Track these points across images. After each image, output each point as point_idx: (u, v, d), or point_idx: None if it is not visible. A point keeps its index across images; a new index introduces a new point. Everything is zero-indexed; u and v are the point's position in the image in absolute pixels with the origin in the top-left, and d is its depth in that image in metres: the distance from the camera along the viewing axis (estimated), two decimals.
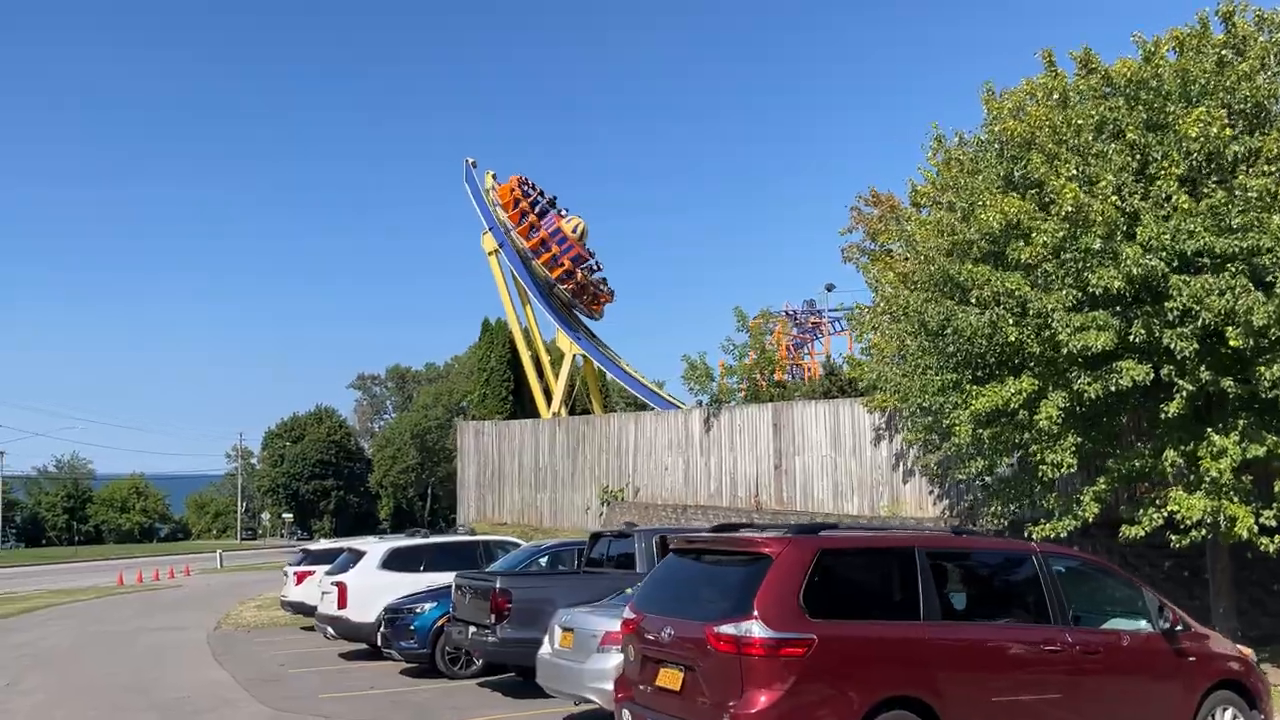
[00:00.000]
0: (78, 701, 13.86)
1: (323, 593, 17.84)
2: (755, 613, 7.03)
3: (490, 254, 46.48)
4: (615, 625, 10.05)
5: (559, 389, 43.89)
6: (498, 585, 12.58)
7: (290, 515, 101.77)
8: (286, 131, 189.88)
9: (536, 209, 46.09)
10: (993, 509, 16.00)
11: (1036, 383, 14.36)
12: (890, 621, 7.41)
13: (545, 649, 11.08)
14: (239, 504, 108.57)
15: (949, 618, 7.58)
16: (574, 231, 45.76)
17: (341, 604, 17.01)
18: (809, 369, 41.97)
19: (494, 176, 48.36)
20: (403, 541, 18.15)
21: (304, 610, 22.20)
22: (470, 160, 47.99)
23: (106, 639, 21.75)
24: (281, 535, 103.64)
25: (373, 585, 17.08)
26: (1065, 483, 16.43)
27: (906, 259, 16.33)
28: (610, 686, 9.92)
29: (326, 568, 22.07)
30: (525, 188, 46.64)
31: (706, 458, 29.35)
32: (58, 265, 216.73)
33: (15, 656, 19.08)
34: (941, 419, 15.60)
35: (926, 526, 18.77)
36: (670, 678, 7.60)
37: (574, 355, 44.40)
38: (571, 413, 44.21)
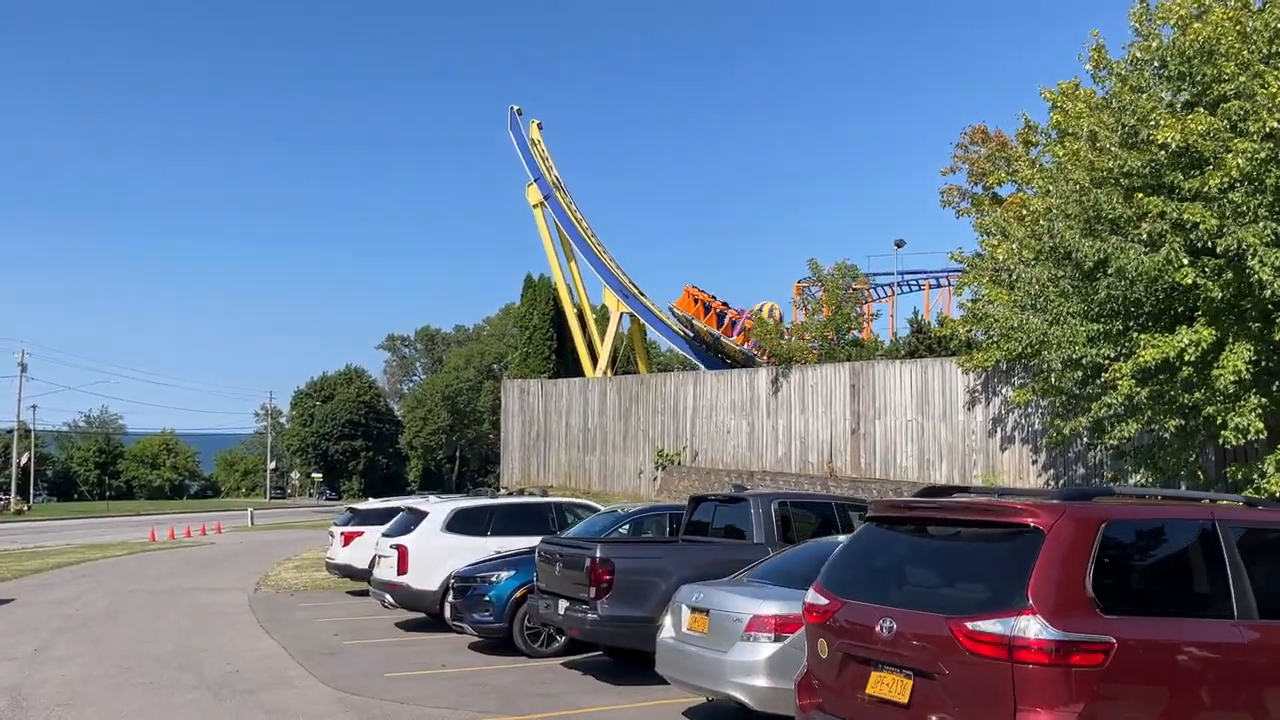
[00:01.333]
0: (115, 674, 12.24)
1: (379, 556, 16.14)
2: (1031, 604, 5.18)
3: (535, 206, 44.50)
4: (765, 608, 8.24)
5: (606, 348, 42.01)
6: (598, 554, 10.77)
7: (319, 475, 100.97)
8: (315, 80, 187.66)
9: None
10: (1138, 479, 14.04)
11: (1214, 333, 12.40)
12: (1197, 620, 5.54)
13: (667, 632, 9.29)
14: (268, 462, 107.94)
15: (1269, 616, 5.69)
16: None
17: (402, 569, 15.29)
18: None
19: (539, 126, 46.31)
20: (467, 502, 16.40)
21: (351, 574, 20.62)
22: (515, 108, 45.93)
23: (143, 599, 20.26)
24: (310, 495, 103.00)
25: (436, 549, 15.36)
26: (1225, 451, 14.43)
27: (1047, 192, 14.29)
28: (761, 682, 8.13)
29: (376, 528, 20.49)
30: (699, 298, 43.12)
31: (774, 420, 27.50)
32: (88, 216, 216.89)
33: (48, 617, 17.58)
34: (1087, 374, 13.66)
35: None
36: (890, 685, 5.77)
37: (621, 314, 42.47)
38: (617, 374, 42.39)
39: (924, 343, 25.27)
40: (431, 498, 17.57)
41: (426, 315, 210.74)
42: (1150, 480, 13.96)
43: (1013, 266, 14.51)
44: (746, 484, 27.39)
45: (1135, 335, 12.67)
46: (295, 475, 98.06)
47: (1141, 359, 12.34)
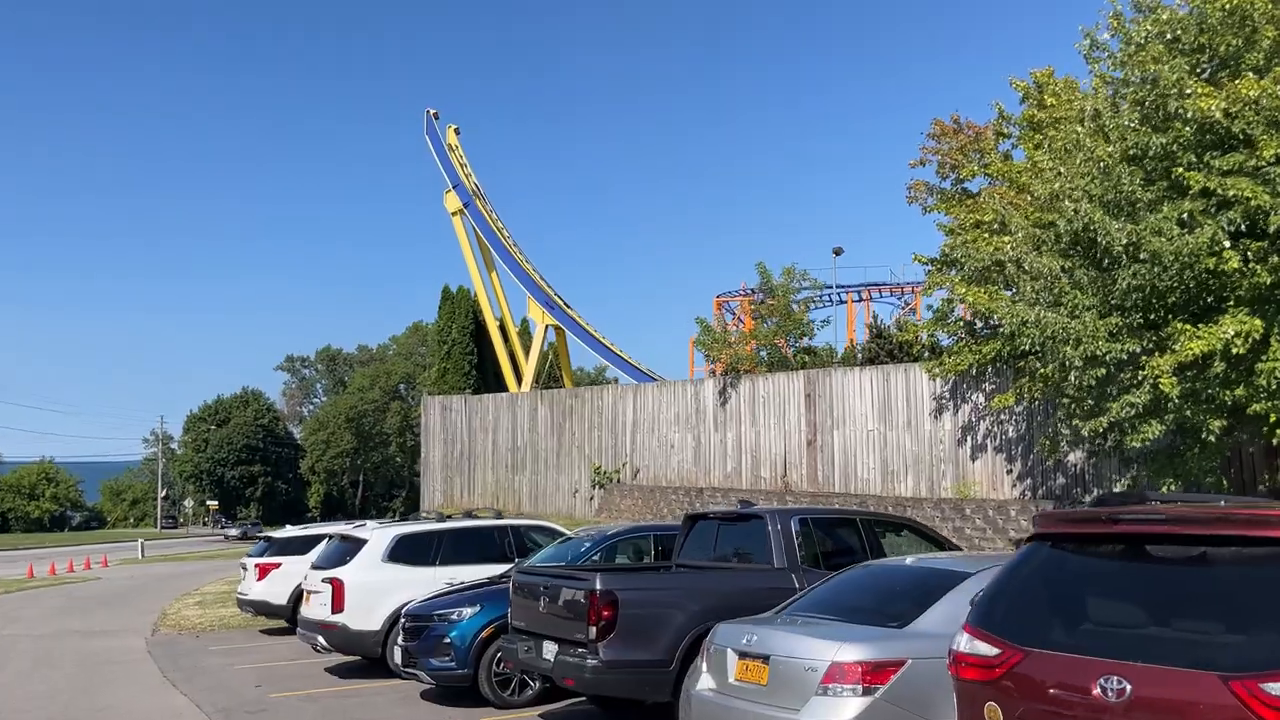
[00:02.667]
0: None
1: (309, 592, 13.94)
2: None
3: (454, 214, 42.32)
4: (847, 652, 6.51)
5: (531, 362, 40.04)
6: (598, 585, 8.92)
7: (215, 502, 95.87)
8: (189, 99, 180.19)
9: None
10: (1164, 488, 12.80)
11: (1262, 323, 11.23)
12: None
13: (705, 684, 7.48)
14: (159, 490, 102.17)
15: None
16: None
17: (338, 607, 13.14)
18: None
19: (457, 131, 44.18)
20: (411, 527, 14.33)
21: (268, 610, 18.29)
22: (432, 111, 43.72)
23: (24, 646, 17.54)
24: (205, 523, 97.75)
25: (378, 583, 13.28)
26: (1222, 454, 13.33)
27: (1058, 174, 13.02)
28: None
29: (295, 559, 18.23)
30: None
31: (722, 433, 25.93)
32: None
33: None
34: (1110, 371, 12.38)
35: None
36: None
37: (546, 326, 40.56)
38: (544, 389, 40.40)
39: (884, 348, 24.08)
40: (369, 523, 15.42)
41: (327, 335, 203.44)
42: (1175, 485, 12.75)
43: (1021, 257, 13.19)
44: (694, 502, 25.73)
45: (1176, 324, 11.42)
46: (189, 503, 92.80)
47: (1187, 351, 11.10)
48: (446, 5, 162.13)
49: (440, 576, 13.44)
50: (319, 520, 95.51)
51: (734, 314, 48.22)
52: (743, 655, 7.12)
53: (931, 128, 20.01)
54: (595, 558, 12.23)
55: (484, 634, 11.08)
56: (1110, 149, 12.17)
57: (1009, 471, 19.99)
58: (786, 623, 7.37)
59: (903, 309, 49.94)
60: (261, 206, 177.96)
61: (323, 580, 13.43)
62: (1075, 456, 18.62)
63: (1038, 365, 16.40)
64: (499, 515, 15.01)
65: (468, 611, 11.31)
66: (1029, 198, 14.20)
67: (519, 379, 41.23)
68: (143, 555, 47.95)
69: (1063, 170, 12.81)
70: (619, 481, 28.42)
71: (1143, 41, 12.38)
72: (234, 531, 75.44)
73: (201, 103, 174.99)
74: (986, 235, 16.00)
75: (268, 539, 19.30)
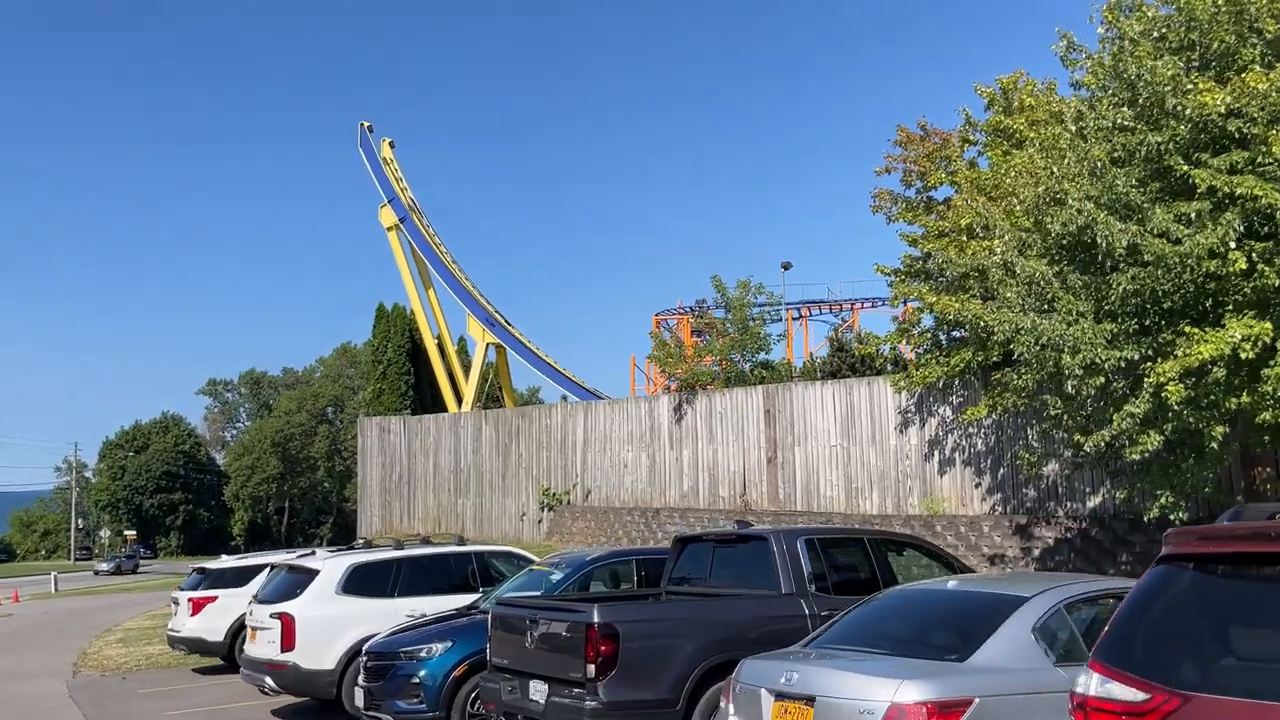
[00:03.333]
0: None
1: (254, 628, 12.75)
2: None
3: (390, 229, 41.01)
4: (908, 691, 5.68)
5: (472, 382, 38.84)
6: (597, 617, 8.02)
7: (133, 532, 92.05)
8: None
9: None
10: (1162, 500, 12.32)
11: (1270, 326, 10.82)
12: None
13: None
14: (73, 521, 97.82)
15: None
16: None
17: (288, 644, 11.99)
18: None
19: (391, 145, 42.93)
20: (367, 555, 13.21)
21: (203, 648, 16.98)
22: (366, 124, 42.42)
23: None
24: (122, 555, 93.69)
25: (332, 617, 12.17)
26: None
27: (1050, 173, 12.55)
28: None
29: (232, 591, 16.97)
30: None
31: (678, 451, 25.15)
32: None
33: None
34: (1108, 379, 11.88)
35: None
36: None
37: (488, 344, 39.43)
38: (485, 409, 39.23)
39: (846, 362, 23.56)
40: (320, 552, 14.26)
41: (251, 358, 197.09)
42: (1172, 500, 12.28)
43: (1010, 260, 12.67)
44: (650, 524, 24.89)
45: (1184, 327, 10.95)
46: (105, 534, 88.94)
47: (1196, 355, 10.63)
48: (378, 17, 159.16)
49: (400, 609, 12.41)
50: (244, 549, 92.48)
51: (672, 332, 47.70)
52: (780, 696, 6.29)
53: (897, 134, 19.59)
54: (573, 586, 11.31)
55: (457, 673, 10.09)
56: (1102, 149, 11.73)
57: (978, 486, 19.54)
58: (826, 657, 6.56)
59: (840, 325, 49.87)
60: (179, 225, 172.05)
61: (271, 615, 12.27)
62: (1047, 470, 18.21)
63: (1013, 377, 15.98)
64: (461, 541, 13.98)
65: (438, 648, 10.30)
66: (1014, 200, 13.73)
67: (459, 399, 39.99)
68: (56, 589, 45.41)
69: (1055, 170, 12.34)
70: (569, 503, 27.44)
71: (1135, 37, 12.00)
72: (105, 566, 67.00)
73: (118, 114, 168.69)
74: (965, 240, 15.51)
75: (202, 570, 17.93)
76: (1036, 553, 17.58)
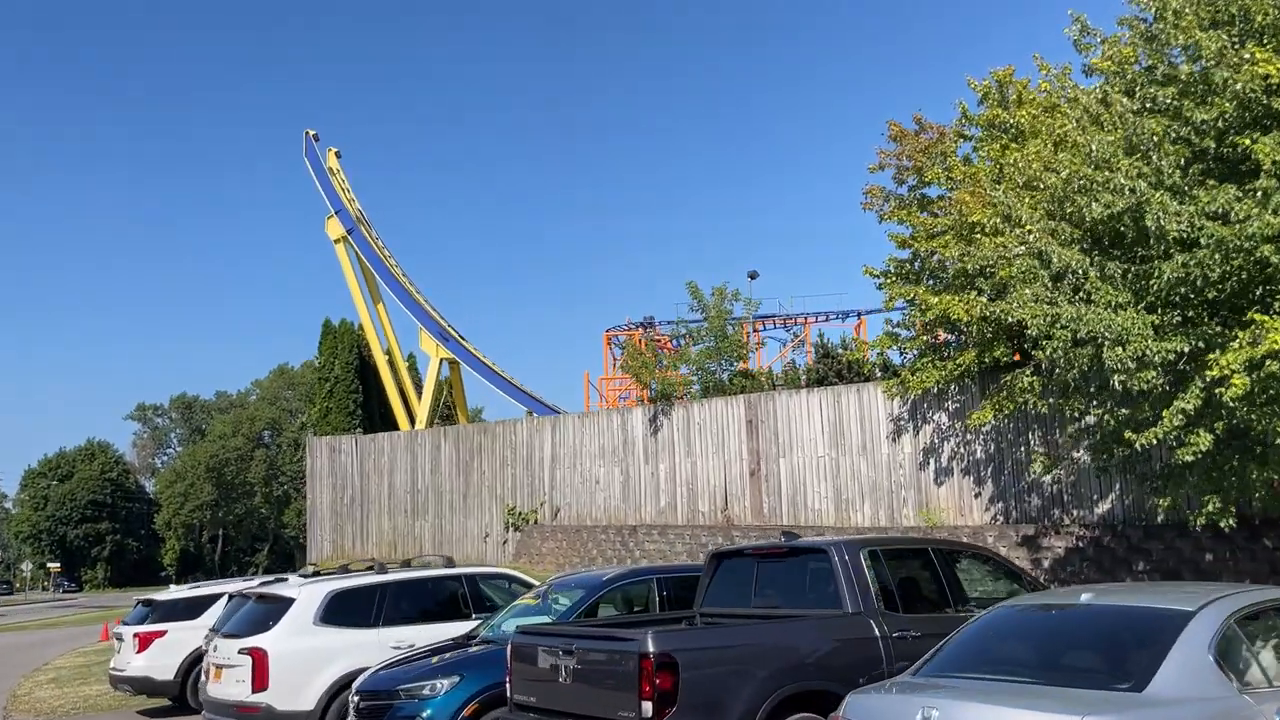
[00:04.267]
0: None
1: (217, 666, 11.30)
2: None
3: (337, 241, 39.35)
4: None
5: (426, 398, 37.27)
6: (651, 646, 6.85)
7: (57, 565, 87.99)
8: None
9: None
10: (1209, 506, 11.50)
11: None
12: None
13: None
14: None
15: None
16: None
17: (260, 684, 10.58)
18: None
19: (338, 154, 41.32)
20: (346, 581, 11.83)
21: (152, 689, 15.39)
22: (311, 132, 40.79)
23: None
24: (45, 588, 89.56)
25: (310, 651, 10.82)
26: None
27: (1089, 153, 11.74)
28: None
29: (183, 624, 15.45)
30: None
31: (653, 465, 23.99)
32: None
33: None
34: (1160, 373, 11.05)
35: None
36: None
37: (441, 360, 37.93)
38: (437, 426, 37.68)
39: (833, 369, 22.65)
40: (293, 578, 12.82)
41: (182, 381, 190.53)
42: (1219, 505, 11.46)
43: (1045, 248, 11.81)
44: (626, 542, 23.69)
45: (1259, 318, 10.13)
46: (26, 566, 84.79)
47: (1269, 344, 9.82)
48: (322, 25, 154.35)
49: (385, 640, 11.12)
50: (176, 580, 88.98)
51: (623, 348, 46.60)
52: None
53: (888, 130, 18.80)
54: (585, 612, 10.07)
55: (466, 712, 8.82)
56: (1158, 122, 10.93)
57: (977, 495, 18.70)
58: (965, 689, 5.45)
59: (792, 340, 49.13)
60: (103, 239, 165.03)
61: (240, 651, 10.85)
62: (1050, 477, 17.46)
63: (1022, 377, 15.18)
64: (450, 562, 12.65)
65: (443, 684, 9.00)
66: (1026, 192, 12.93)
67: (411, 418, 38.40)
68: None
69: (1094, 149, 11.53)
70: (537, 523, 26.10)
71: (1179, 8, 11.26)
72: None
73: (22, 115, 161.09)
74: (974, 236, 14.70)
75: (149, 602, 16.32)
76: (1047, 564, 16.75)
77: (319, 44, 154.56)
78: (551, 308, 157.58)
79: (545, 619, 9.91)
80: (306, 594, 11.28)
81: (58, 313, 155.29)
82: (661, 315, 45.46)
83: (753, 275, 37.97)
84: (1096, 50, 14.16)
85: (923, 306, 16.88)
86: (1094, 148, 11.57)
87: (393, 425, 37.95)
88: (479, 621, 11.11)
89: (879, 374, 21.87)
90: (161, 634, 15.44)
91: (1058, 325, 11.57)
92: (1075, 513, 17.34)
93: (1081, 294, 11.80)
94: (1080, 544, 16.57)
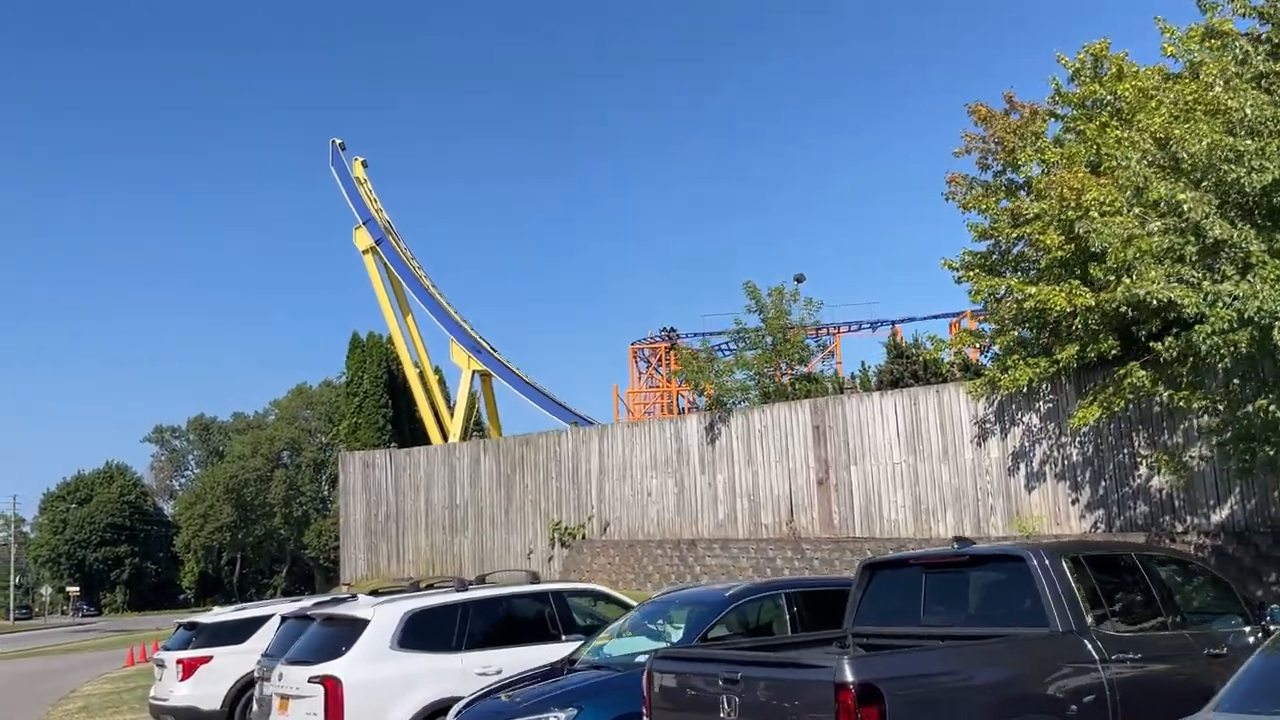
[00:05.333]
0: None
1: (282, 696, 10.06)
2: None
3: (365, 252, 38.31)
4: None
5: (459, 411, 36.13)
6: (849, 674, 5.60)
7: (76, 588, 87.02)
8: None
9: None
10: None
11: None
12: None
13: None
14: (11, 578, 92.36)
15: None
16: None
17: (335, 716, 9.32)
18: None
19: (364, 164, 40.37)
20: (424, 600, 10.59)
21: (198, 719, 14.13)
22: (338, 141, 39.91)
23: None
24: (64, 612, 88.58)
25: (389, 679, 9.57)
26: None
27: (1243, 117, 10.53)
28: None
29: (230, 649, 14.23)
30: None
31: (710, 476, 22.73)
32: None
33: None
34: None
35: None
36: None
37: (473, 372, 36.80)
38: (485, 438, 36.51)
39: (908, 369, 21.40)
40: (362, 597, 11.58)
41: (200, 403, 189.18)
42: None
43: (1204, 219, 10.59)
44: (685, 557, 22.42)
45: None
46: (46, 590, 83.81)
47: None
48: (348, 40, 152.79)
49: (470, 666, 9.87)
50: (194, 603, 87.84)
51: (649, 362, 45.31)
52: None
53: (972, 114, 17.58)
54: (704, 633, 8.77)
55: None
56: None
57: (1074, 502, 17.38)
58: None
59: (820, 352, 47.74)
60: (121, 268, 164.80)
61: (310, 680, 9.60)
62: (1158, 480, 16.16)
63: (1141, 374, 13.92)
64: (534, 578, 11.39)
65: (561, 715, 7.76)
66: (1183, 158, 11.71)
67: (443, 432, 37.24)
68: None
69: (1248, 112, 10.32)
70: (585, 538, 24.85)
71: None
72: None
73: (51, 138, 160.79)
74: (1095, 216, 13.45)
75: (193, 625, 15.12)
76: None
77: (346, 54, 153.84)
78: (571, 321, 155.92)
79: (656, 642, 8.66)
80: (382, 615, 10.04)
81: (76, 340, 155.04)
82: (685, 328, 44.35)
83: (799, 279, 36.67)
84: (1225, 9, 13.01)
85: (1019, 298, 15.66)
86: (1248, 110, 10.38)
87: (423, 440, 36.81)
88: (575, 643, 9.86)
89: (957, 374, 20.59)
90: (207, 659, 14.23)
91: (1219, 304, 10.34)
92: (1188, 520, 16.02)
93: (1238, 271, 10.59)
94: (1200, 553, 15.24)
